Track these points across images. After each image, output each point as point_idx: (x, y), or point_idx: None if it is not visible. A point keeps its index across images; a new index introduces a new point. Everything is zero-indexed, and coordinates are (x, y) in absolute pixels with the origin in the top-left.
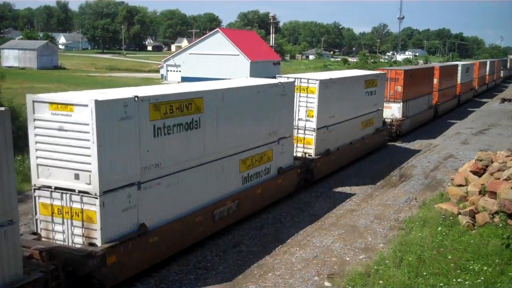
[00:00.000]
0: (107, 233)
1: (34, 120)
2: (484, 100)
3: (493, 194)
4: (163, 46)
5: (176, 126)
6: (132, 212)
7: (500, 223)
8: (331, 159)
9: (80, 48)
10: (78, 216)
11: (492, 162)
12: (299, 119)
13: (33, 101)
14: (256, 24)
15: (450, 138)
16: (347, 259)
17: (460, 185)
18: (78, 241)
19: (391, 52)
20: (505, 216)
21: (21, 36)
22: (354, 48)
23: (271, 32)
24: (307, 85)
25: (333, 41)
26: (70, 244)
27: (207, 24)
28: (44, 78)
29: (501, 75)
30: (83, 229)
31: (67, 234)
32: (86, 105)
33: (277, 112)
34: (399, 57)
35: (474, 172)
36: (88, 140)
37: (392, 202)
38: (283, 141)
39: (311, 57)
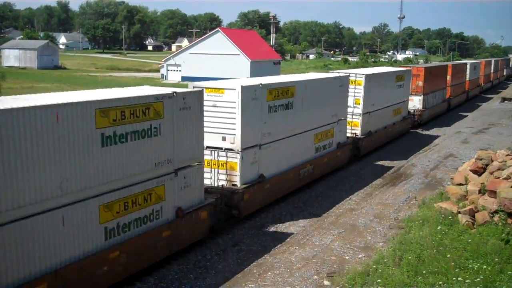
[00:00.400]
0: (243, 178)
1: None
2: (489, 96)
3: (493, 193)
4: (164, 45)
5: (280, 105)
6: (256, 165)
7: (500, 222)
8: (372, 139)
9: (81, 48)
10: (223, 166)
11: (492, 161)
12: (348, 106)
13: (193, 87)
14: (256, 24)
15: (450, 137)
16: (347, 258)
17: (460, 184)
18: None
19: (391, 51)
20: (505, 215)
21: (22, 36)
22: (354, 48)
23: (272, 31)
24: (355, 79)
25: (333, 41)
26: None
27: (207, 24)
28: (44, 78)
29: (504, 73)
30: (227, 175)
31: (213, 179)
32: (234, 89)
33: (337, 99)
34: (400, 57)
35: (474, 171)
36: (234, 113)
37: (392, 201)
38: (341, 122)
39: (311, 56)
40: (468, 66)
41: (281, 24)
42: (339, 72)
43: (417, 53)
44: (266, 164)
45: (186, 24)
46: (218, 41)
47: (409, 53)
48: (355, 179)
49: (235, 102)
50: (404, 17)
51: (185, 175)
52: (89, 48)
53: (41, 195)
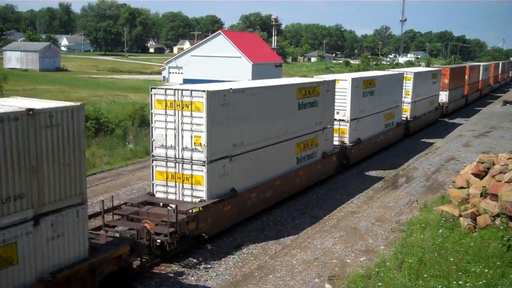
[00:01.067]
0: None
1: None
2: (498, 94)
3: (495, 197)
4: (165, 48)
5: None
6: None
7: (501, 226)
8: (417, 122)
9: (82, 50)
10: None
11: (494, 164)
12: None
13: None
14: (258, 27)
15: (452, 140)
16: (348, 261)
17: (462, 188)
18: None
19: (393, 54)
20: (506, 219)
21: (24, 38)
22: (356, 51)
23: (273, 34)
24: (406, 75)
25: (335, 44)
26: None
27: (209, 26)
28: (46, 80)
29: (510, 74)
30: (339, 137)
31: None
32: (346, 80)
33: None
34: (401, 60)
35: (476, 175)
36: (346, 97)
37: (393, 204)
38: (326, 130)
39: (313, 59)
40: (481, 68)
41: (283, 26)
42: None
43: (419, 56)
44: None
45: (188, 26)
46: (219, 44)
47: (410, 56)
48: (355, 181)
49: (346, 89)
50: (405, 20)
51: (327, 132)
52: (91, 50)
53: (276, 134)
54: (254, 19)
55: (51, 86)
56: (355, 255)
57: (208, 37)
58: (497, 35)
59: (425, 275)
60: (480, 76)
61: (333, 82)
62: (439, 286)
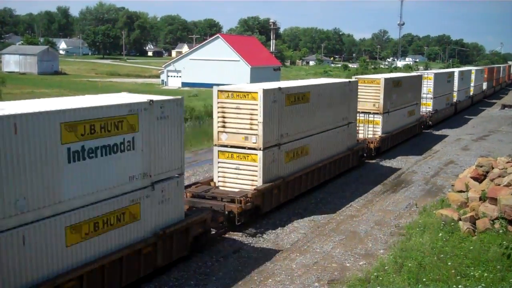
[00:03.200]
0: None
1: None
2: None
3: (494, 200)
4: (164, 51)
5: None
6: None
7: (501, 229)
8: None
9: (81, 53)
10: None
11: (493, 168)
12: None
13: None
14: (256, 30)
15: (450, 144)
16: (347, 265)
17: (461, 191)
18: None
19: (391, 58)
20: (506, 222)
21: (22, 42)
22: (354, 54)
23: (272, 38)
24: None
25: (333, 47)
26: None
27: (207, 30)
28: (44, 83)
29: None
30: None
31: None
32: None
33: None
34: (399, 63)
35: (475, 178)
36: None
37: (393, 208)
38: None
39: (311, 63)
40: (501, 69)
41: (281, 30)
42: (356, 77)
43: (417, 60)
44: None
45: (186, 30)
46: (218, 47)
47: (408, 60)
48: (355, 185)
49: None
50: (403, 23)
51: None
52: (89, 54)
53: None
54: (252, 23)
55: (49, 90)
56: (355, 259)
57: (207, 41)
58: (496, 40)
59: (425, 279)
60: (500, 74)
61: (356, 82)
62: None
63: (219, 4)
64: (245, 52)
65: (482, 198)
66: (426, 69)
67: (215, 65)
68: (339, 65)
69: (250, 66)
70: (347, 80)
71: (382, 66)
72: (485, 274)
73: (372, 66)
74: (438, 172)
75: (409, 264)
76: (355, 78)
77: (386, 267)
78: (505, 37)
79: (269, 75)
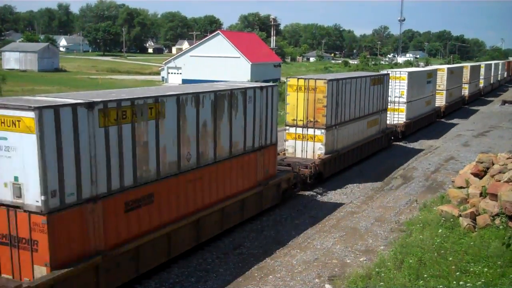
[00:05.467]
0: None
1: None
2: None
3: (494, 196)
4: (164, 48)
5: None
6: None
7: (501, 225)
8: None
9: (81, 50)
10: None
11: (493, 164)
12: (395, 97)
13: None
14: (257, 27)
15: (451, 140)
16: (348, 261)
17: (461, 187)
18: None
19: (392, 54)
20: (506, 218)
21: (22, 39)
22: (355, 50)
23: (272, 34)
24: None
25: (333, 43)
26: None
27: (207, 27)
28: (45, 81)
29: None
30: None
31: None
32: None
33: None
34: (400, 59)
35: (475, 174)
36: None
37: (393, 204)
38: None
39: (312, 59)
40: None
41: (282, 26)
42: (386, 71)
43: (418, 56)
44: None
45: (186, 26)
46: (218, 44)
47: (409, 56)
48: (355, 181)
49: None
50: (404, 19)
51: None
52: (90, 51)
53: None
54: (252, 19)
55: (50, 87)
56: (355, 255)
57: (207, 37)
58: (497, 35)
59: (425, 275)
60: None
61: (388, 75)
62: (439, 286)
63: (220, 1)
64: (245, 48)
65: (483, 194)
66: (427, 65)
67: (216, 62)
68: (340, 61)
69: (250, 63)
70: (383, 73)
71: (382, 62)
72: (486, 270)
73: (373, 62)
74: (438, 168)
75: (410, 260)
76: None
77: (386, 263)
78: (505, 33)
79: (270, 72)
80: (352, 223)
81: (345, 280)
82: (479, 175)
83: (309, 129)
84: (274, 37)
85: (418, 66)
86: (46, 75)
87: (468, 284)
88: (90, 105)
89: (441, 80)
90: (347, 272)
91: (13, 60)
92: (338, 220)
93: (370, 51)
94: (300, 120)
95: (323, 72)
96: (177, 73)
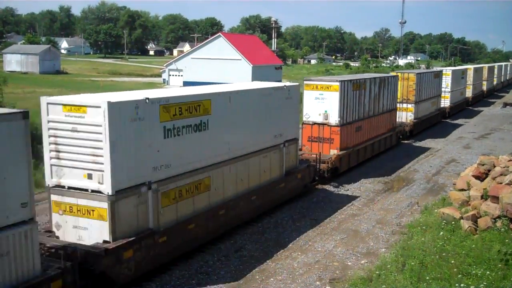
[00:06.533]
0: None
1: None
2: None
3: (495, 199)
4: (165, 50)
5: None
6: None
7: (502, 228)
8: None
9: (83, 52)
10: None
11: (494, 166)
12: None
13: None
14: (258, 29)
15: (452, 142)
16: (349, 264)
17: (462, 190)
18: None
19: (393, 56)
20: (507, 221)
21: (24, 41)
22: (356, 53)
23: (273, 36)
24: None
25: (335, 46)
26: None
27: (209, 29)
28: (46, 83)
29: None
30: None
31: None
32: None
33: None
34: (401, 62)
35: (476, 177)
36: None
37: (394, 207)
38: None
39: (313, 61)
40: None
41: (283, 29)
42: (396, 72)
43: (419, 58)
44: None
45: (187, 29)
46: (219, 46)
47: (410, 58)
48: (356, 184)
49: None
50: (405, 22)
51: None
52: (91, 53)
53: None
54: (254, 22)
55: (51, 89)
56: (356, 258)
57: (208, 40)
58: (498, 38)
59: (427, 278)
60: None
61: (397, 76)
62: None
63: (221, 3)
64: (246, 51)
65: (484, 197)
66: (428, 67)
67: (217, 64)
68: (341, 63)
69: (251, 65)
70: (392, 74)
71: (383, 64)
72: (487, 273)
73: (374, 65)
74: (439, 170)
75: (411, 263)
76: (396, 73)
77: (388, 266)
78: (507, 35)
79: (271, 74)
80: (353, 225)
81: (346, 282)
82: (481, 177)
83: (325, 127)
84: (275, 40)
85: (419, 68)
86: (48, 77)
87: (470, 287)
88: None
89: (469, 77)
90: (348, 275)
91: (14, 62)
92: (339, 222)
93: (371, 53)
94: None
95: (324, 74)
96: (178, 75)
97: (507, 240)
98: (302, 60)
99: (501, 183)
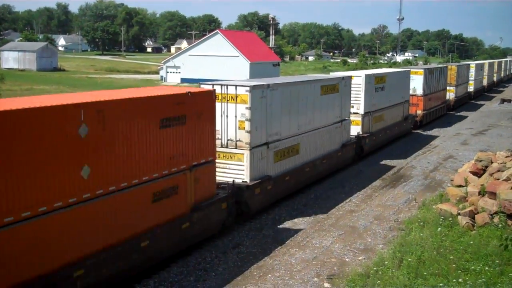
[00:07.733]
0: None
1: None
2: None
3: (493, 195)
4: (163, 47)
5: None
6: None
7: (500, 224)
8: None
9: (80, 49)
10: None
11: (492, 162)
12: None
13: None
14: (255, 26)
15: (449, 138)
16: (347, 260)
17: (460, 186)
18: None
19: (390, 53)
20: (505, 217)
21: (21, 38)
22: (353, 50)
23: (271, 33)
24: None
25: (332, 43)
26: None
27: (206, 26)
28: (43, 80)
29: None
30: None
31: None
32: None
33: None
34: (399, 58)
35: (474, 173)
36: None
37: (392, 203)
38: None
39: (310, 58)
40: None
41: (280, 26)
42: (405, 68)
43: (416, 55)
44: None
45: (185, 26)
46: (217, 43)
47: (408, 55)
48: (354, 180)
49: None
50: (403, 18)
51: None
52: (88, 50)
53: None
54: (251, 19)
55: (49, 86)
56: (354, 254)
57: (206, 37)
58: (495, 34)
59: (424, 274)
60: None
61: (409, 71)
62: (439, 285)
63: (218, 0)
64: (244, 47)
65: (481, 193)
66: (425, 63)
67: (214, 61)
68: (338, 60)
69: (249, 62)
70: (405, 69)
71: (381, 61)
72: (486, 268)
73: (372, 61)
74: (437, 166)
75: (409, 259)
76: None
77: (385, 262)
78: (504, 31)
79: (269, 71)
80: (351, 221)
81: (344, 279)
82: (478, 173)
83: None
84: (273, 36)
85: (416, 65)
86: (45, 75)
87: (468, 283)
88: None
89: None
90: (346, 271)
91: (11, 59)
92: (337, 218)
93: (369, 50)
94: None
95: (321, 71)
96: (176, 72)
97: (504, 236)
98: (299, 57)
99: (498, 179)
